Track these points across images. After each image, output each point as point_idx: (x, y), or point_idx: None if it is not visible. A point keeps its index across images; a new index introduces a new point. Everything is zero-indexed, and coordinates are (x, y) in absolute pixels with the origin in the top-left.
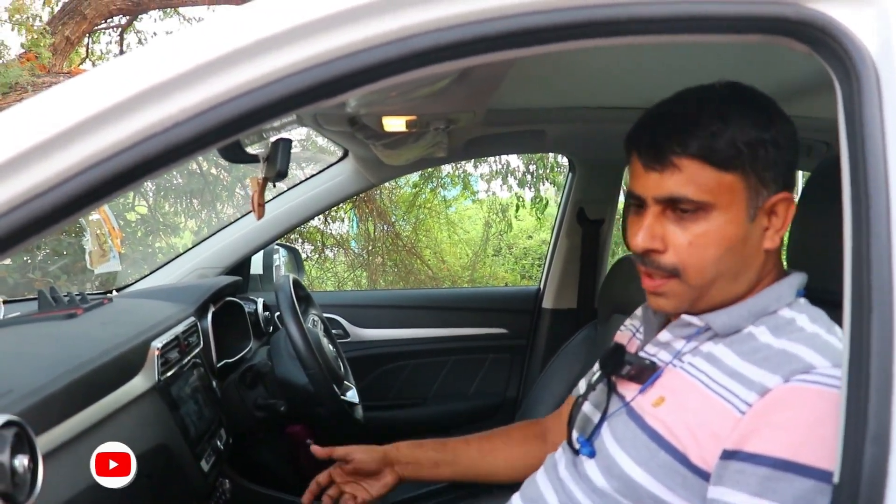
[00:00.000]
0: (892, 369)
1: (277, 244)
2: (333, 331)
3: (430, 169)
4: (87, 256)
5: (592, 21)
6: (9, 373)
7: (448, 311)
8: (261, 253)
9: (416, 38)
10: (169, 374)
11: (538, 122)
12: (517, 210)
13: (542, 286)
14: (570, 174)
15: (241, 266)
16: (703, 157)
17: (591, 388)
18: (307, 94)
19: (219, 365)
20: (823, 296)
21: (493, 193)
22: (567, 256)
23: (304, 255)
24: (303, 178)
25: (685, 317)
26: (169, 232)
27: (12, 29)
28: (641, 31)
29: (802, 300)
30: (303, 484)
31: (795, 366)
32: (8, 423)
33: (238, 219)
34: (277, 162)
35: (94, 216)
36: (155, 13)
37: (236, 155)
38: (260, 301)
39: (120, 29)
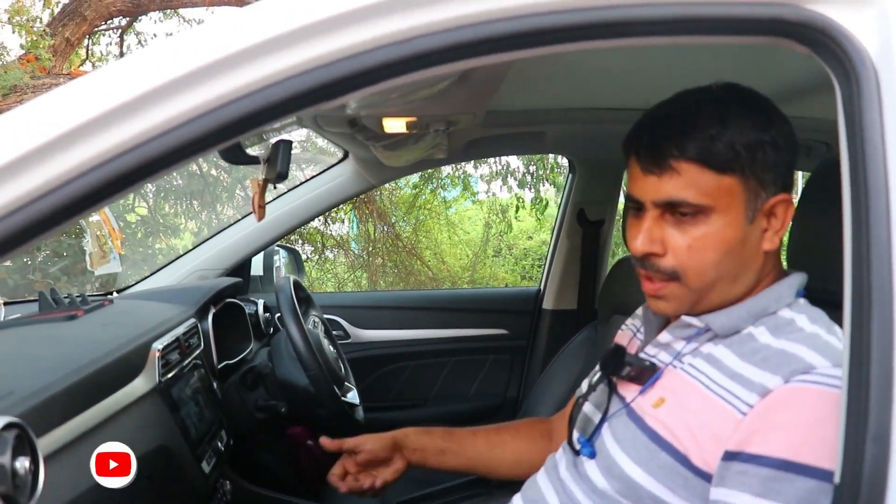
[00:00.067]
0: (892, 370)
1: (278, 245)
2: (334, 332)
3: (430, 170)
4: (87, 258)
5: (594, 23)
6: (9, 374)
7: (448, 312)
8: (261, 254)
9: (419, 39)
10: (170, 375)
11: (538, 124)
12: (517, 211)
13: (542, 287)
14: (570, 175)
15: (242, 267)
16: (701, 160)
17: (591, 388)
18: (308, 97)
19: (219, 366)
20: (823, 296)
21: (493, 194)
22: (567, 257)
23: (304, 257)
24: (303, 180)
25: (685, 318)
26: (169, 233)
27: (13, 31)
28: (642, 33)
29: (802, 300)
30: (303, 485)
31: (795, 366)
32: (9, 425)
33: (238, 220)
34: (278, 163)
35: (95, 217)
36: (155, 14)
37: (237, 156)
38: (260, 302)
39: (120, 30)
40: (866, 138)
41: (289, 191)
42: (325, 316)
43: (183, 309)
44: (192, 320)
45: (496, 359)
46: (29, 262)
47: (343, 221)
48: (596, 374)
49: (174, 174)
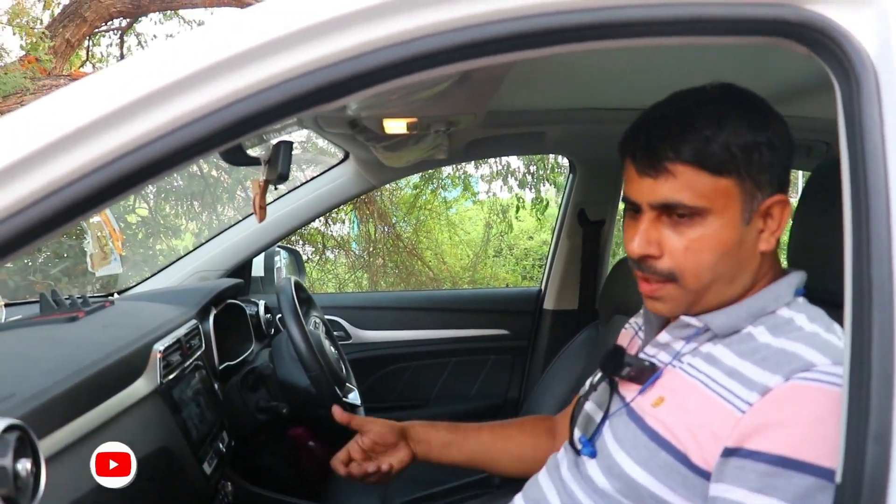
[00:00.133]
0: (893, 369)
1: (278, 246)
2: (335, 333)
3: (430, 170)
4: (88, 259)
5: (595, 24)
6: (11, 376)
7: (449, 313)
8: (262, 255)
9: (425, 39)
10: (171, 376)
11: (538, 124)
12: (518, 211)
13: (543, 287)
14: (571, 175)
15: (243, 268)
16: (697, 162)
17: (593, 388)
18: (310, 98)
19: (220, 367)
20: (823, 296)
21: (494, 194)
22: (568, 257)
23: (304, 257)
24: (304, 181)
25: (684, 318)
26: (170, 234)
27: (13, 33)
28: (643, 34)
29: (801, 299)
30: (305, 486)
31: (795, 364)
32: (10, 427)
33: (239, 221)
34: (279, 165)
35: (95, 218)
36: (155, 15)
37: (238, 158)
38: (261, 303)
39: (120, 31)
40: (866, 138)
41: (289, 192)
42: (326, 317)
43: (184, 310)
44: (194, 321)
45: (497, 359)
46: (30, 264)
47: (344, 222)
48: (598, 373)
49: (175, 175)
